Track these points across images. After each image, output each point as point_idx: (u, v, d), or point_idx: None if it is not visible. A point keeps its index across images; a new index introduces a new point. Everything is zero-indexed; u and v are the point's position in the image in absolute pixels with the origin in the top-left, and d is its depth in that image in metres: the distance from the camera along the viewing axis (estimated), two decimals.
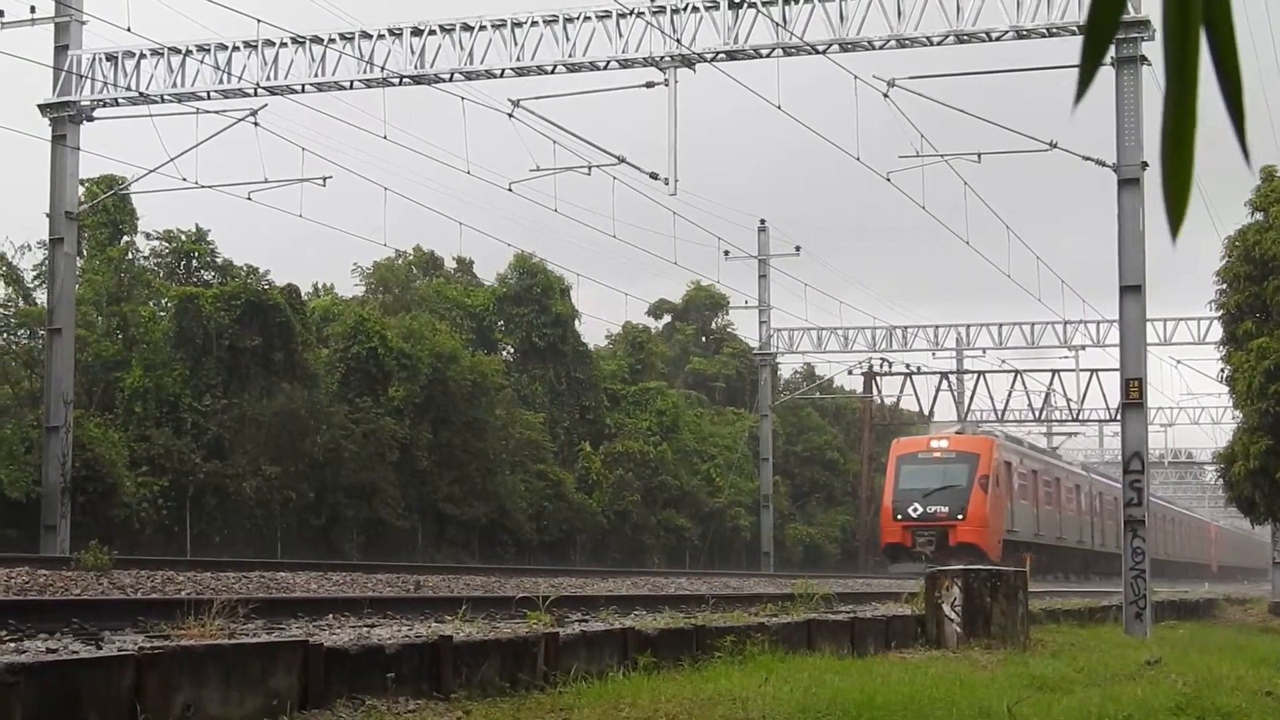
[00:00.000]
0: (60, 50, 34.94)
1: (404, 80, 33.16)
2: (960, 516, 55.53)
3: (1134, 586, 26.69)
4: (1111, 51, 27.86)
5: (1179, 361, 71.77)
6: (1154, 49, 28.08)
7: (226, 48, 34.10)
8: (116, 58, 34.79)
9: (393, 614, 14.80)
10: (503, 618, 14.01)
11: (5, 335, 45.67)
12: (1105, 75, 28.04)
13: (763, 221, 63.35)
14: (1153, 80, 28.43)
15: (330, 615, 14.02)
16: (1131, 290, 27.71)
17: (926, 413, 68.02)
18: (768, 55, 31.53)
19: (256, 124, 34.15)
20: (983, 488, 55.91)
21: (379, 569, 23.56)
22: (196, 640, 9.20)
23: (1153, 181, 24.82)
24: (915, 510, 56.31)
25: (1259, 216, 35.40)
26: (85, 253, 44.86)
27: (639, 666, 12.39)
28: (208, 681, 8.32)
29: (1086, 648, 19.55)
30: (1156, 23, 25.06)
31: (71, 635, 10.11)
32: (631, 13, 31.55)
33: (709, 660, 13.53)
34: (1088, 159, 29.13)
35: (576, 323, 65.31)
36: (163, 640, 9.23)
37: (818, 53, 30.96)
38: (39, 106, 35.32)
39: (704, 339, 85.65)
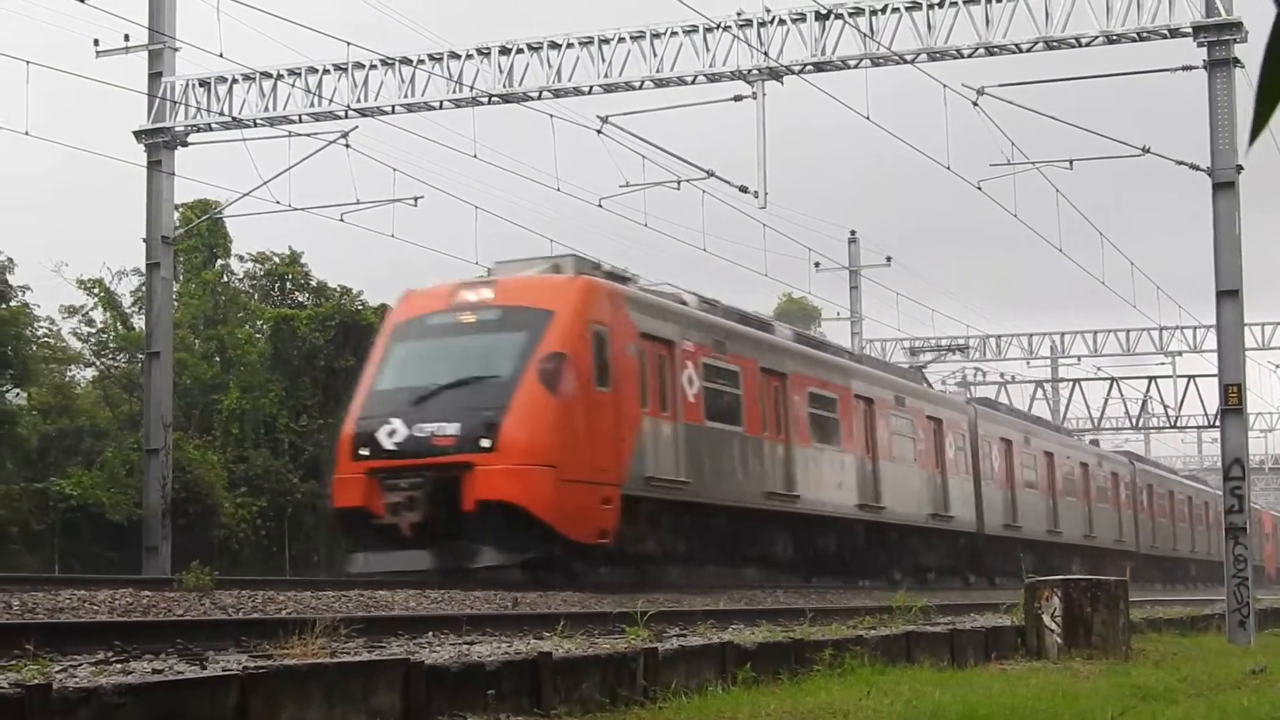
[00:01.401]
0: (154, 77, 35.32)
1: (493, 99, 33.30)
2: (486, 444, 25.84)
3: (1237, 594, 26.38)
4: (1204, 54, 27.68)
5: (1279, 366, 70.97)
6: (1247, 51, 27.83)
7: (317, 71, 34.38)
8: (209, 83, 35.16)
9: (491, 631, 14.83)
10: (601, 633, 14.03)
11: (105, 360, 46.25)
12: (1198, 78, 27.81)
13: (853, 232, 63.13)
14: (1245, 83, 28.17)
15: (430, 633, 14.07)
16: (1229, 295, 27.42)
17: None
18: (855, 66, 31.45)
19: (348, 146, 34.42)
20: (547, 381, 26.37)
21: (476, 586, 23.64)
22: (299, 660, 9.28)
23: (1248, 184, 24.59)
24: (394, 435, 26.51)
25: None
26: (181, 277, 45.33)
27: (738, 681, 12.39)
28: (311, 701, 8.38)
29: (1189, 657, 19.37)
30: (1249, 24, 24.80)
31: (176, 655, 10.21)
32: (718, 27, 31.57)
33: (808, 674, 13.49)
34: (1181, 163, 28.87)
35: None
36: (266, 660, 9.32)
37: (905, 62, 30.86)
38: (134, 133, 35.72)
39: None
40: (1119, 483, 60.62)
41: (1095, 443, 65.38)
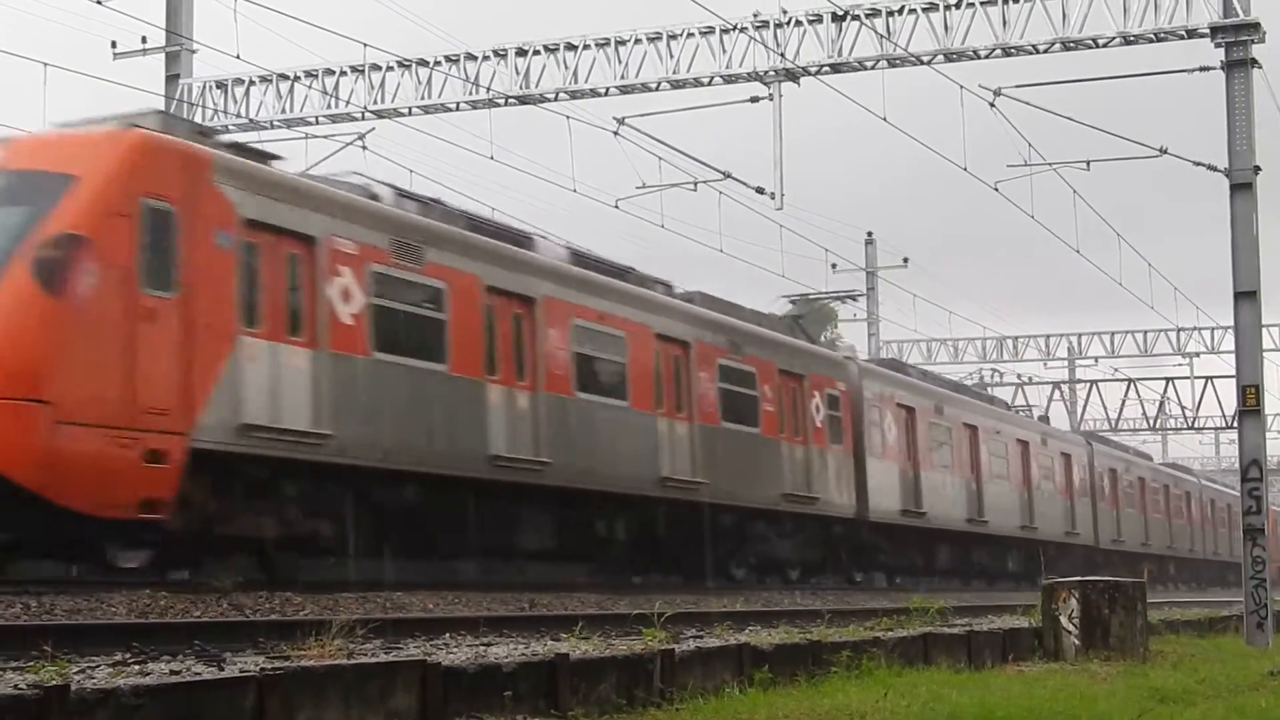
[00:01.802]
0: (171, 79, 35.35)
1: (509, 101, 33.30)
2: None
3: (1255, 596, 26.32)
4: (1221, 54, 27.63)
5: None
6: (1264, 52, 27.76)
7: (334, 72, 34.42)
8: (226, 85, 35.21)
9: (508, 632, 14.86)
10: (618, 635, 14.03)
11: None
12: (1215, 79, 27.75)
13: (870, 234, 63.00)
14: (1264, 84, 28.11)
15: (447, 634, 14.10)
16: (1246, 296, 27.35)
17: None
18: (872, 67, 31.40)
19: (364, 148, 34.40)
20: (46, 275, 17.97)
21: (493, 588, 23.64)
22: (316, 661, 9.30)
23: (1266, 185, 24.49)
24: None
25: None
26: None
27: (755, 682, 12.39)
28: (328, 702, 8.39)
29: (1207, 659, 19.33)
30: (1267, 25, 24.73)
31: (194, 657, 10.23)
32: (735, 28, 31.54)
33: (825, 675, 13.48)
34: (1198, 164, 28.81)
35: None
36: (283, 661, 9.33)
37: (922, 63, 30.82)
38: None
39: None
40: (1071, 466, 53.84)
41: (1045, 419, 59.60)
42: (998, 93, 30.70)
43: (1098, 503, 56.40)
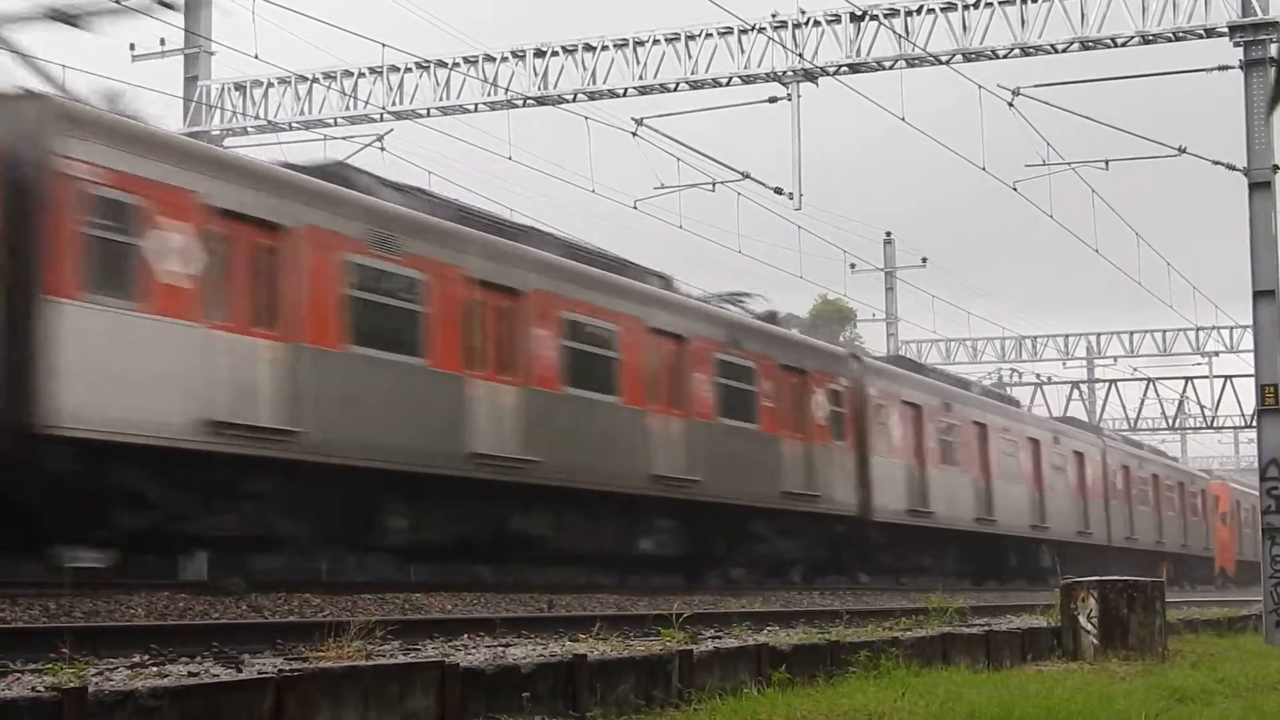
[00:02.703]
0: (190, 81, 35.43)
1: (528, 101, 33.33)
2: None
3: (1274, 594, 26.24)
4: (1240, 53, 27.56)
5: None
6: None
7: (352, 74, 34.50)
8: (245, 87, 35.29)
9: (526, 633, 14.86)
10: (636, 635, 14.02)
11: None
12: (1234, 78, 27.69)
13: (888, 234, 62.91)
14: None
15: (465, 635, 14.09)
16: (1265, 295, 27.27)
17: None
18: (890, 67, 31.39)
19: (383, 149, 34.47)
20: None
21: (511, 589, 23.66)
22: (334, 662, 9.30)
23: None
24: None
25: None
26: None
27: (773, 683, 12.37)
28: (346, 703, 8.40)
29: (1226, 658, 19.27)
30: None
31: (212, 659, 10.25)
32: (753, 28, 31.54)
33: (843, 675, 13.47)
34: (1217, 163, 28.74)
35: None
36: (301, 662, 9.34)
37: (941, 63, 30.80)
38: None
39: None
40: (841, 401, 36.15)
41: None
42: (1016, 92, 30.64)
43: (871, 455, 37.47)
